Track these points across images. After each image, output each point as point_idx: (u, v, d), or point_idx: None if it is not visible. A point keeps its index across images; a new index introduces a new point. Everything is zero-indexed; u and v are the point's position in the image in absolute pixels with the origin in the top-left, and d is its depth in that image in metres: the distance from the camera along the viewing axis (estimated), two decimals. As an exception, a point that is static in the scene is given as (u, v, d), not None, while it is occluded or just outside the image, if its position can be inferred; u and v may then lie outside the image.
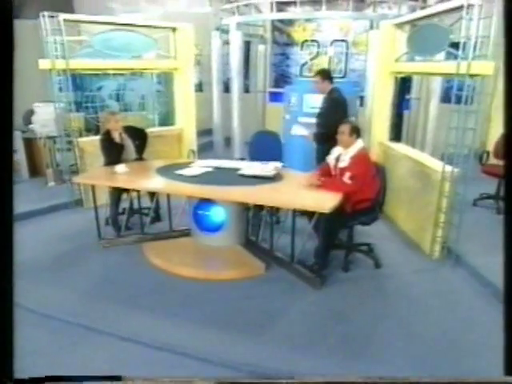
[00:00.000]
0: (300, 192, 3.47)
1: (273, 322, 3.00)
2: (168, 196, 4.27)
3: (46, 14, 4.37)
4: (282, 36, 8.50)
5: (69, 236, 4.38)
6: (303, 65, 7.78)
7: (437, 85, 6.08)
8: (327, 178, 3.60)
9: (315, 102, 6.29)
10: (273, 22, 8.30)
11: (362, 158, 3.52)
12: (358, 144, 3.56)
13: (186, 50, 5.45)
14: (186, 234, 4.22)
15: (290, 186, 3.66)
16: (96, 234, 4.15)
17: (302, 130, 4.52)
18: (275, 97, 8.74)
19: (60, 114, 4.95)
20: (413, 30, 4.06)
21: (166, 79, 6.52)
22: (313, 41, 7.62)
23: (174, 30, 5.34)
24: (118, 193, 4.20)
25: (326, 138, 4.14)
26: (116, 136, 4.23)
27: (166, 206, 4.32)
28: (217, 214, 3.91)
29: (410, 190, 4.35)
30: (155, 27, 5.26)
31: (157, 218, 4.56)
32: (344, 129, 3.59)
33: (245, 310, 3.13)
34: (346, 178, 3.46)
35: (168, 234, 4.26)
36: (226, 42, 7.86)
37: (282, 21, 8.27)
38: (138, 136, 4.47)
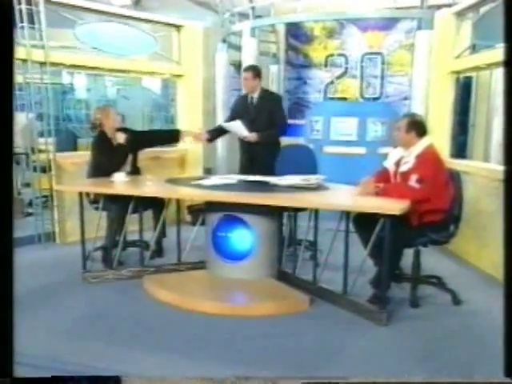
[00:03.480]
0: (356, 197, 3.51)
1: (332, 360, 2.91)
2: (178, 223, 4.26)
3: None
4: (297, 56, 8.92)
5: (42, 271, 4.30)
6: (328, 85, 8.10)
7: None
8: (388, 184, 3.63)
9: (347, 127, 6.55)
10: (287, 38, 8.75)
11: (430, 157, 3.57)
12: (424, 141, 3.62)
13: (194, 53, 5.68)
14: (199, 267, 4.17)
15: (341, 193, 3.71)
16: (77, 269, 4.09)
17: (242, 129, 4.65)
18: (290, 130, 8.97)
19: (31, 125, 5.00)
20: (483, 13, 4.30)
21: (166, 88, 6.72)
22: (340, 55, 8.00)
23: (178, 28, 5.61)
24: (122, 211, 4.12)
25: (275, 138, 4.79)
26: (114, 138, 4.27)
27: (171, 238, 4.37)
28: (242, 237, 3.91)
29: (483, 214, 4.37)
30: (156, 22, 5.51)
31: (159, 251, 4.52)
32: (400, 124, 3.68)
33: (293, 348, 3.03)
34: (413, 181, 3.49)
35: (175, 267, 4.19)
36: (233, 63, 8.20)
37: (298, 37, 8.73)
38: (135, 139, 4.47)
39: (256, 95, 4.79)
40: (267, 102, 4.79)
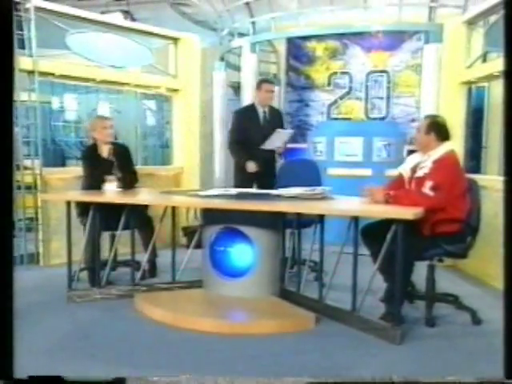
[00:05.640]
0: (365, 205, 3.49)
1: (343, 379, 2.81)
2: (173, 243, 4.25)
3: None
4: (298, 78, 9.01)
5: (23, 292, 4.15)
6: (331, 105, 8.18)
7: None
8: (399, 191, 3.59)
9: (352, 148, 6.54)
10: (288, 59, 8.87)
11: (448, 163, 3.54)
12: (445, 146, 3.60)
13: (191, 67, 5.72)
14: (195, 286, 4.11)
15: (349, 202, 3.70)
16: (62, 289, 4.03)
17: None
18: (290, 154, 8.99)
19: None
20: (495, 20, 4.35)
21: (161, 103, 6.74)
22: (343, 73, 8.09)
23: (175, 40, 5.67)
24: (101, 225, 4.08)
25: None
26: (104, 150, 4.28)
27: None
28: (242, 252, 3.86)
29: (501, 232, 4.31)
30: (152, 34, 5.58)
31: (152, 270, 4.49)
32: (420, 125, 3.70)
33: (299, 367, 2.94)
34: (427, 188, 3.45)
35: (169, 286, 4.13)
36: (232, 85, 8.29)
37: (299, 58, 8.84)
38: (122, 153, 4.51)
39: (267, 109, 5.02)
40: (277, 116, 5.14)
